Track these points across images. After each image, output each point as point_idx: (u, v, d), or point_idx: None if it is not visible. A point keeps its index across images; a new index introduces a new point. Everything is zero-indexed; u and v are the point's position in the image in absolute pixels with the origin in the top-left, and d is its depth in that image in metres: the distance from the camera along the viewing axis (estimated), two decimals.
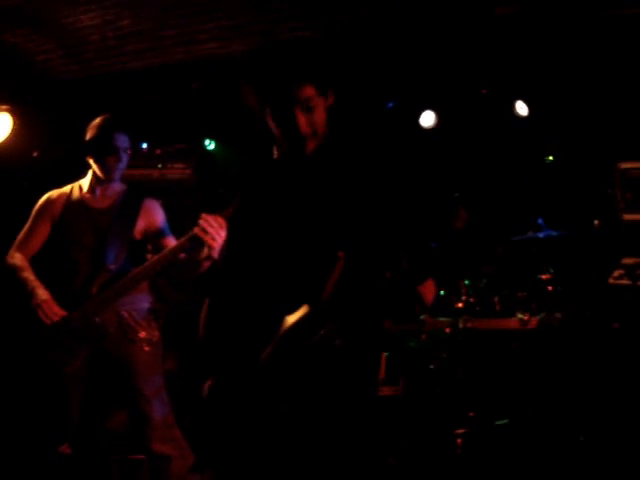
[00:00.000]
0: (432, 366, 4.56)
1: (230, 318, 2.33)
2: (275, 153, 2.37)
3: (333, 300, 2.12)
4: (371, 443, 2.27)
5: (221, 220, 2.83)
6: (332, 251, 2.12)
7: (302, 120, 2.21)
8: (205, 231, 2.76)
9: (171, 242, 3.44)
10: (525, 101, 5.46)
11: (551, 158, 5.50)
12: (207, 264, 2.95)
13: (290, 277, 2.22)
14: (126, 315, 3.42)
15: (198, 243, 2.92)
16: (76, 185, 3.64)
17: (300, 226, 2.25)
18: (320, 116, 2.24)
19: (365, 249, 2.14)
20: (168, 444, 3.39)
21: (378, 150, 2.31)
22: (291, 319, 2.16)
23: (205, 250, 2.87)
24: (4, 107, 4.50)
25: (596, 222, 4.94)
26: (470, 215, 5.35)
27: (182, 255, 3.17)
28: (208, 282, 2.46)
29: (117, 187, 3.63)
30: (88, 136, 3.55)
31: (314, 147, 2.26)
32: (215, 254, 2.91)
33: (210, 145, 5.84)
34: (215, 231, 2.89)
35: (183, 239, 3.16)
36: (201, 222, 2.81)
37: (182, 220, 3.75)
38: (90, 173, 3.61)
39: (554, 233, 4.86)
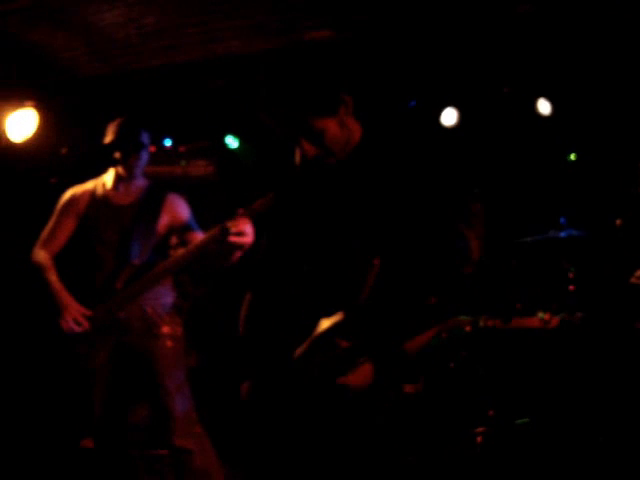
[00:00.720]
0: (452, 364, 4.55)
1: (268, 318, 2.35)
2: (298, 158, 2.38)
3: (368, 306, 2.11)
4: (390, 442, 2.28)
5: (246, 219, 2.89)
6: (368, 257, 2.12)
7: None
8: (230, 230, 2.83)
9: (198, 235, 3.45)
10: (547, 99, 5.44)
11: (573, 157, 5.47)
12: (234, 258, 2.98)
13: (327, 281, 2.23)
14: (150, 310, 3.44)
15: (222, 240, 2.97)
16: (99, 181, 3.67)
17: (337, 231, 2.25)
18: (332, 134, 2.17)
19: (400, 255, 2.13)
20: (190, 439, 3.41)
21: (410, 152, 2.29)
22: (326, 323, 2.17)
23: (231, 246, 2.92)
24: (30, 103, 4.54)
25: (618, 221, 4.90)
26: (485, 209, 5.32)
27: (210, 248, 3.18)
28: (249, 279, 2.47)
29: (140, 183, 3.65)
30: (109, 135, 3.59)
31: (336, 161, 2.23)
32: (240, 251, 2.95)
33: (232, 142, 5.86)
34: (240, 233, 2.95)
35: (207, 236, 3.19)
36: (226, 222, 2.88)
37: (205, 216, 3.78)
38: (112, 170, 3.64)
39: (576, 232, 4.83)
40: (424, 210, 2.19)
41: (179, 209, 3.65)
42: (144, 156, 3.60)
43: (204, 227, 3.57)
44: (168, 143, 5.71)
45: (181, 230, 3.56)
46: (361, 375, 2.09)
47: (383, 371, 2.10)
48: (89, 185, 3.68)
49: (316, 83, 2.14)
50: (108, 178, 3.66)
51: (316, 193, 2.33)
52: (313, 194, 2.34)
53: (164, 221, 3.58)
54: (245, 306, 2.43)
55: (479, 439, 4.16)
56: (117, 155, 3.55)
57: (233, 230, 2.84)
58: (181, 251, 3.34)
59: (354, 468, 2.19)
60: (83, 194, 3.64)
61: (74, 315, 3.31)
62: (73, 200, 3.62)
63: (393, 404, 2.24)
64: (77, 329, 3.30)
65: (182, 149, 5.67)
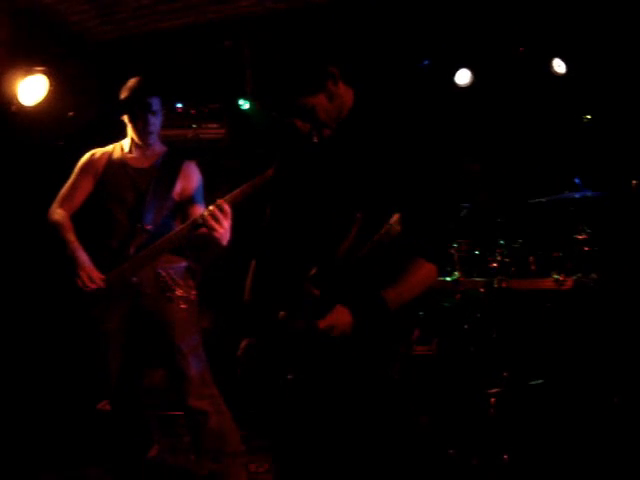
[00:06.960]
0: (466, 326, 4.55)
1: (269, 281, 2.36)
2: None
3: (345, 262, 2.12)
4: (403, 403, 2.28)
5: (227, 209, 2.97)
6: (352, 214, 2.11)
7: (300, 124, 2.21)
8: (207, 220, 2.95)
9: (199, 210, 3.39)
10: (562, 59, 5.38)
11: (589, 117, 5.41)
12: (216, 251, 3.08)
13: (312, 240, 2.24)
14: (164, 273, 3.45)
15: (192, 234, 3.17)
16: (118, 145, 3.67)
17: (328, 191, 2.25)
18: (323, 109, 2.18)
19: (383, 210, 2.09)
20: (205, 400, 3.44)
21: (407, 112, 2.28)
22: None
23: (209, 237, 3.06)
24: (40, 69, 4.52)
25: (634, 182, 4.86)
26: (483, 168, 5.32)
27: (185, 240, 3.27)
28: (255, 246, 2.49)
29: (157, 148, 3.64)
30: (120, 97, 3.57)
31: (330, 132, 2.24)
32: (223, 242, 3.05)
33: (244, 105, 5.82)
34: (218, 221, 3.02)
35: (185, 225, 3.27)
36: (206, 212, 3.02)
37: (216, 180, 3.77)
38: (129, 134, 3.63)
39: (591, 193, 4.79)
40: (413, 166, 2.18)
41: (192, 178, 3.61)
42: (154, 121, 3.56)
43: (216, 190, 3.56)
44: (179, 106, 5.67)
45: (185, 202, 3.54)
46: (335, 317, 2.07)
47: (363, 320, 2.09)
48: (108, 148, 3.68)
49: (300, 62, 2.13)
50: (126, 142, 3.65)
51: (313, 161, 2.33)
52: (310, 162, 2.34)
53: (178, 188, 3.57)
54: (250, 273, 2.46)
55: (493, 400, 4.17)
56: (124, 117, 3.54)
57: (207, 222, 2.95)
58: (168, 235, 3.32)
59: (365, 427, 2.20)
60: (102, 156, 3.64)
61: (89, 272, 3.32)
62: (92, 162, 3.62)
63: (403, 362, 2.24)
64: (91, 286, 3.30)
65: (193, 112, 5.62)
